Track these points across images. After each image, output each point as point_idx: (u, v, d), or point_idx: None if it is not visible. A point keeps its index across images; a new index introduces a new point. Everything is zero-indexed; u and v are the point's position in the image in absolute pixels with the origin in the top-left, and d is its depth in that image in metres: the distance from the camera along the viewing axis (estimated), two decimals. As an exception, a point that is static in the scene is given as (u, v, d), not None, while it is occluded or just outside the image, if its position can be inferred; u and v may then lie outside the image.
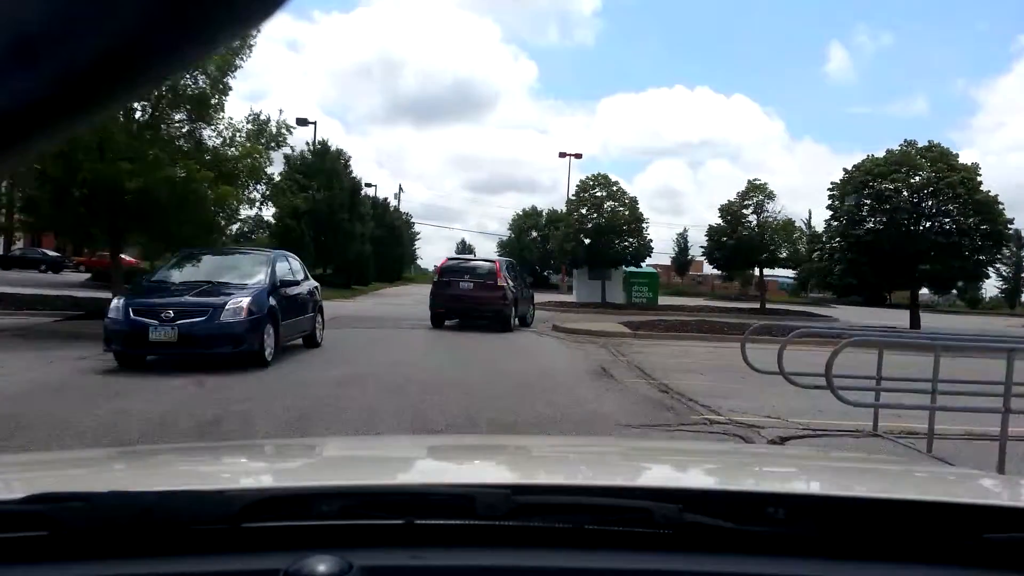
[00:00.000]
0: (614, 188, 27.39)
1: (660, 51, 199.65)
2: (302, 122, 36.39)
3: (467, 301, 16.24)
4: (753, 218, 27.52)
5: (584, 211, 27.12)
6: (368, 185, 64.70)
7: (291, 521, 0.96)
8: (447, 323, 16.92)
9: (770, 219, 27.14)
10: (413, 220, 76.49)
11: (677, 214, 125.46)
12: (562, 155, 64.38)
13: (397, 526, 0.97)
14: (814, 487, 1.51)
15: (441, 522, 0.97)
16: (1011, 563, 0.95)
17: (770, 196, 27.36)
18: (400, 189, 76.41)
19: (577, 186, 27.90)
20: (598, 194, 27.37)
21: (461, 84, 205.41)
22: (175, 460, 1.78)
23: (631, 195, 27.39)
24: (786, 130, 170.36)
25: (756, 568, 0.95)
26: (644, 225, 27.10)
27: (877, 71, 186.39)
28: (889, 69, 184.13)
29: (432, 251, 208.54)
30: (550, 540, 0.96)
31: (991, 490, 1.49)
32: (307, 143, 36.24)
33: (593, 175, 27.73)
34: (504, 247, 71.90)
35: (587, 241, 27.00)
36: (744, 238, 26.78)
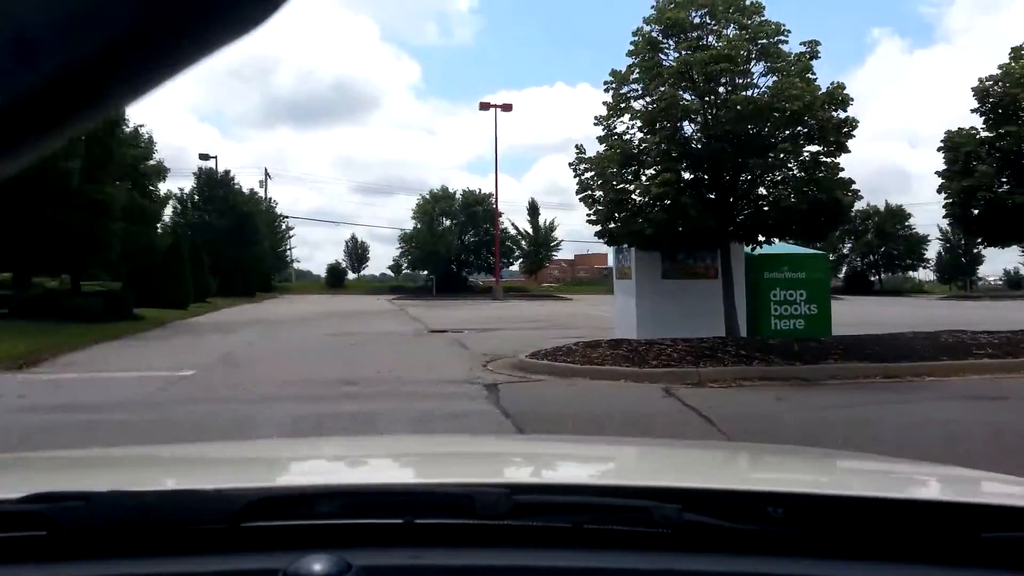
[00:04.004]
0: (753, 21, 10.03)
1: (540, 48, 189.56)
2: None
3: None
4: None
5: (669, 87, 9.55)
6: (206, 157, 45.34)
7: (291, 521, 0.96)
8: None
9: None
10: (282, 212, 57.03)
11: (567, 209, 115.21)
12: (484, 107, 47.48)
13: (397, 526, 0.96)
14: (814, 487, 1.41)
15: (441, 522, 0.96)
16: (1010, 563, 0.95)
17: None
18: (267, 175, 56.16)
19: (650, 21, 10.20)
20: (716, 43, 9.82)
21: (341, 84, 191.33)
22: (175, 460, 1.75)
23: (799, 42, 10.16)
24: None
25: (756, 568, 0.94)
26: (846, 117, 9.75)
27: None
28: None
29: (322, 257, 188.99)
30: (550, 540, 0.96)
31: (990, 490, 1.43)
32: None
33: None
34: (409, 241, 53.51)
35: (684, 174, 9.51)
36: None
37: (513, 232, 54.69)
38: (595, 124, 10.94)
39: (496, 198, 48.81)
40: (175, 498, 1.03)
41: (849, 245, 62.25)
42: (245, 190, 45.23)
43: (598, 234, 10.84)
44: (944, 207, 12.20)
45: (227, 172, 42.44)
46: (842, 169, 9.98)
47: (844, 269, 63.37)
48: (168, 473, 1.54)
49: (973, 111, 11.91)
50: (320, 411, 6.81)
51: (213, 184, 40.08)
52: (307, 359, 11.29)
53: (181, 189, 41.06)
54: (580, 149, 10.81)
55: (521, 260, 56.26)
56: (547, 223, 55.33)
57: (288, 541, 0.92)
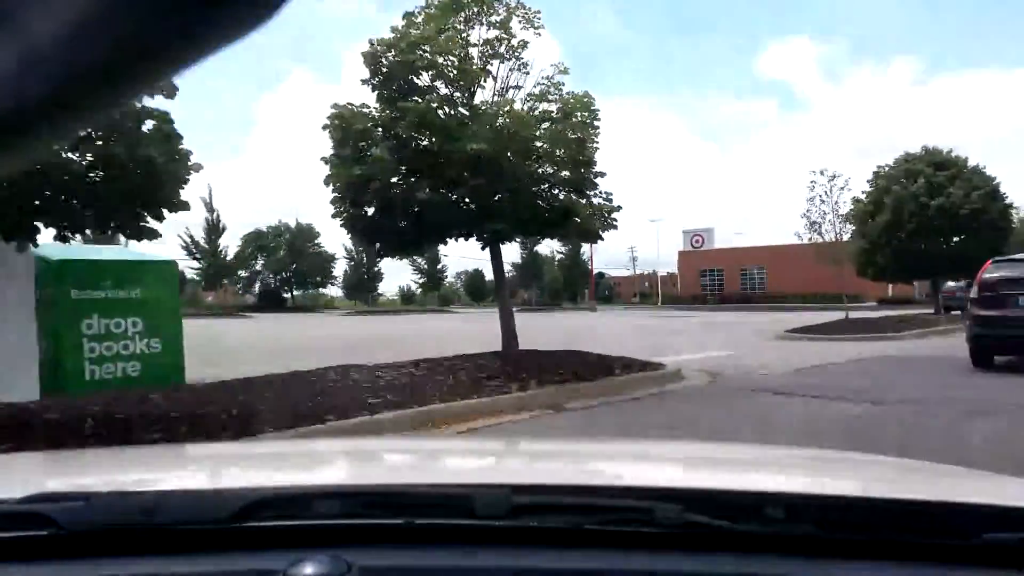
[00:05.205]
0: None
1: None
2: None
3: None
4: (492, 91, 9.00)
5: None
6: None
7: (291, 521, 0.95)
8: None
9: (549, 87, 9.05)
10: None
11: None
12: None
13: (397, 526, 0.96)
14: (814, 487, 1.40)
15: (441, 522, 0.96)
16: (1010, 563, 0.93)
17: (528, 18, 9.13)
18: None
19: None
20: None
21: None
22: (175, 460, 1.75)
23: None
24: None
25: (756, 568, 0.93)
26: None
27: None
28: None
29: None
30: (550, 540, 0.95)
31: (991, 490, 1.42)
32: None
33: None
34: None
35: None
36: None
37: None
38: None
39: None
40: (175, 498, 1.02)
41: (262, 261, 60.87)
42: None
43: None
44: (331, 203, 9.34)
45: None
46: (171, 121, 6.04)
47: (258, 286, 61.98)
48: (168, 473, 1.51)
49: (364, 82, 9.34)
50: None
51: None
52: None
53: None
54: None
55: None
56: None
57: (288, 541, 0.92)
